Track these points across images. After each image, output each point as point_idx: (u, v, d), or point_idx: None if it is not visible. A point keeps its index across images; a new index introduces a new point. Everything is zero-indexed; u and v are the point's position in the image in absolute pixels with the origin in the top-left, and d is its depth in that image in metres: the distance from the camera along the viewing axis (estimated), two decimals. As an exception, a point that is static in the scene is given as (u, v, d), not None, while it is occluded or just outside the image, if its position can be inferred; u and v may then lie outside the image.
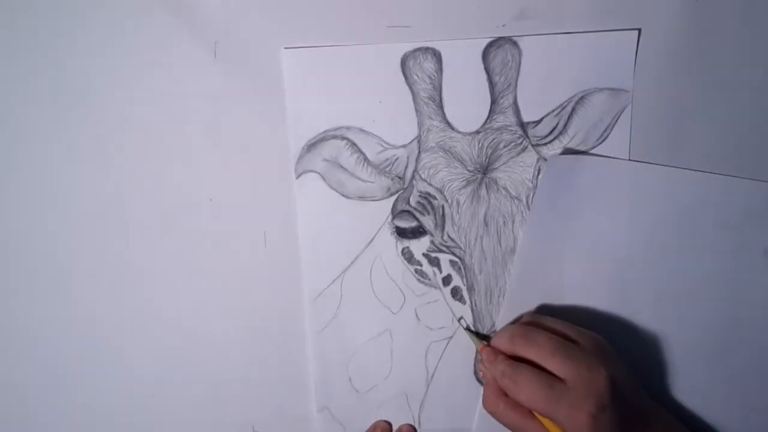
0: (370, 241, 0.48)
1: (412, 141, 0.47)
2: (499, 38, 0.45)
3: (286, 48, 0.44)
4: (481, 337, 0.49)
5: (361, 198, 0.47)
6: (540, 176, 0.47)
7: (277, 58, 0.44)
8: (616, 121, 0.47)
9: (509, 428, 0.43)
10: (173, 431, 0.49)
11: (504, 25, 0.45)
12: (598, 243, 0.48)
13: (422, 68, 0.45)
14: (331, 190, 0.47)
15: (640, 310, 0.48)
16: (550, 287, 0.48)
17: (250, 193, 0.47)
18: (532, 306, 0.48)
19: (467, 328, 0.49)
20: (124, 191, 0.46)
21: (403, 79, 0.45)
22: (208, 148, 0.46)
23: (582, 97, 0.46)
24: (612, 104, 0.46)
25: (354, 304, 0.49)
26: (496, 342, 0.45)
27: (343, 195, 0.47)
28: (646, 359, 0.48)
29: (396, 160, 0.47)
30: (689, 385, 0.49)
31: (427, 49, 0.45)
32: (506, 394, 0.43)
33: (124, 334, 0.48)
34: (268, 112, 0.46)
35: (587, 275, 0.48)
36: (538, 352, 0.41)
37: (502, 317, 0.49)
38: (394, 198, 0.48)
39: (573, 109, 0.46)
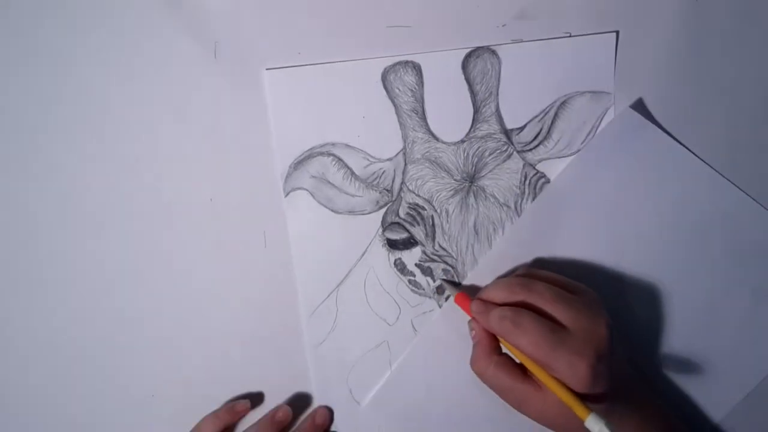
0: (363, 254, 0.48)
1: (398, 154, 0.47)
2: (478, 48, 0.45)
3: (267, 69, 0.45)
4: (458, 288, 0.48)
5: (351, 212, 0.48)
6: (603, 125, 0.47)
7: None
8: (600, 123, 0.47)
9: (496, 390, 0.42)
10: (173, 431, 0.49)
11: (504, 25, 0.45)
12: (616, 212, 0.48)
13: (403, 81, 0.46)
14: (320, 206, 0.47)
15: (624, 291, 0.49)
16: (546, 243, 0.48)
17: (251, 193, 0.47)
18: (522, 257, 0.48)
19: (444, 279, 0.49)
20: (124, 191, 0.46)
21: (385, 93, 0.46)
22: (208, 148, 0.46)
23: (564, 102, 0.46)
24: (594, 107, 0.47)
25: (350, 318, 0.49)
26: (488, 294, 0.44)
27: (332, 210, 0.48)
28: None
29: (383, 173, 0.47)
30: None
31: (407, 62, 0.45)
32: (497, 353, 0.42)
33: (124, 334, 0.48)
34: (267, 113, 0.46)
35: (588, 239, 0.48)
36: (539, 299, 0.40)
37: (489, 260, 0.48)
38: (383, 211, 0.48)
39: (556, 114, 0.47)
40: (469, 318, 0.45)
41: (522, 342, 0.40)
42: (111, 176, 0.46)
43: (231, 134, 0.46)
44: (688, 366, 0.50)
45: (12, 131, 0.45)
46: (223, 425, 0.47)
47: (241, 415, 0.48)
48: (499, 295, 0.43)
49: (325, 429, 0.49)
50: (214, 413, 0.48)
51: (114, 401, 0.49)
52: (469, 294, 0.46)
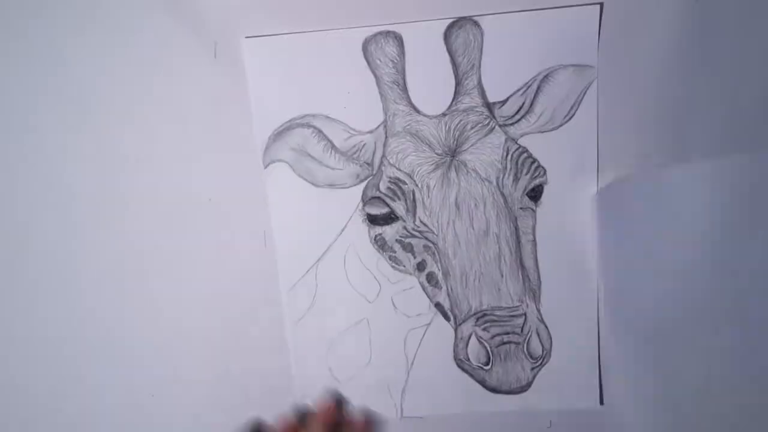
0: (342, 230, 0.48)
1: (379, 126, 0.47)
2: (460, 18, 0.45)
3: (247, 37, 0.44)
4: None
5: (331, 186, 0.47)
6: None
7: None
8: (583, 97, 0.46)
9: None
10: (173, 431, 0.49)
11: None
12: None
13: (384, 52, 0.45)
14: (300, 179, 0.47)
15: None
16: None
17: (250, 193, 0.47)
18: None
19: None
20: (123, 191, 0.46)
21: (365, 64, 0.45)
22: (207, 147, 0.46)
23: (547, 75, 0.46)
24: (577, 81, 0.46)
25: (329, 294, 0.49)
26: None
27: (312, 183, 0.47)
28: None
29: (363, 146, 0.47)
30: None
31: (388, 32, 0.45)
32: None
33: (124, 333, 0.48)
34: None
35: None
36: None
37: None
38: (363, 185, 0.47)
39: (538, 88, 0.46)
40: None
41: None
42: (110, 175, 0.46)
43: (230, 134, 0.46)
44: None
45: (11, 130, 0.45)
46: None
47: None
48: None
49: None
50: None
51: (114, 401, 0.49)
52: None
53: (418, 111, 0.46)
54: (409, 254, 0.48)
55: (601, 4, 0.45)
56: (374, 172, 0.47)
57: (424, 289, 0.49)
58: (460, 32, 0.45)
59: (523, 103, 0.46)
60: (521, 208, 0.48)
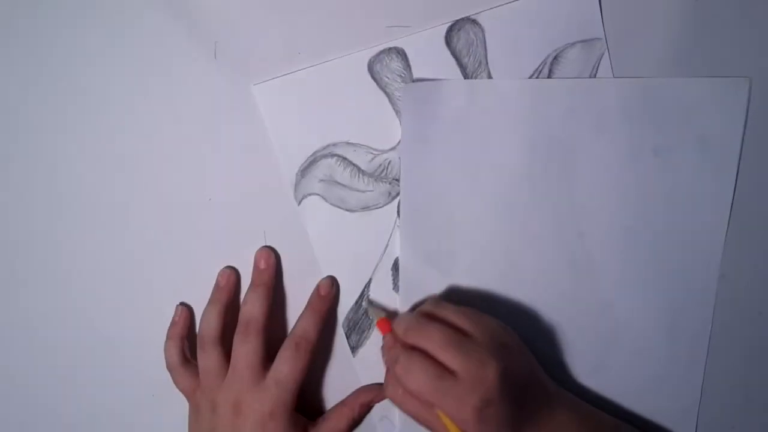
0: (386, 247, 0.48)
1: (400, 141, 0.47)
2: (458, 20, 0.45)
3: (255, 84, 0.45)
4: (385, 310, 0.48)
5: (365, 208, 0.48)
6: (401, 108, 0.46)
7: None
8: (596, 71, 0.46)
9: (410, 416, 0.42)
10: (173, 431, 0.49)
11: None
12: (480, 170, 0.46)
13: (390, 69, 0.46)
14: (334, 208, 0.48)
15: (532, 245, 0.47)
16: (440, 227, 0.47)
17: (250, 193, 0.47)
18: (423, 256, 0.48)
19: (370, 302, 0.48)
20: (123, 191, 0.47)
21: (375, 84, 0.46)
22: (207, 147, 0.46)
23: (556, 57, 0.45)
24: (588, 55, 0.45)
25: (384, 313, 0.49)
26: (395, 327, 0.44)
27: (347, 210, 0.48)
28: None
29: (389, 163, 0.47)
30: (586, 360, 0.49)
31: (390, 49, 0.45)
32: None
33: (123, 333, 0.48)
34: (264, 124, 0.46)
35: (476, 207, 0.47)
36: (430, 344, 0.41)
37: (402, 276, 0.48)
38: (397, 200, 0.48)
39: (550, 70, 0.46)
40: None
41: (411, 387, 0.41)
42: (110, 176, 0.46)
43: (230, 133, 0.46)
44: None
45: (11, 131, 0.45)
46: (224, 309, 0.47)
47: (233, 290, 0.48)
48: (400, 332, 0.43)
49: (333, 297, 0.49)
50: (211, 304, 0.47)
51: (114, 401, 0.49)
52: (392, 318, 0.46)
53: (435, 119, 0.46)
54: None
55: (597, -23, 0.44)
56: (404, 186, 0.48)
57: (476, 290, 0.49)
58: (460, 34, 0.45)
59: (538, 89, 0.46)
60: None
